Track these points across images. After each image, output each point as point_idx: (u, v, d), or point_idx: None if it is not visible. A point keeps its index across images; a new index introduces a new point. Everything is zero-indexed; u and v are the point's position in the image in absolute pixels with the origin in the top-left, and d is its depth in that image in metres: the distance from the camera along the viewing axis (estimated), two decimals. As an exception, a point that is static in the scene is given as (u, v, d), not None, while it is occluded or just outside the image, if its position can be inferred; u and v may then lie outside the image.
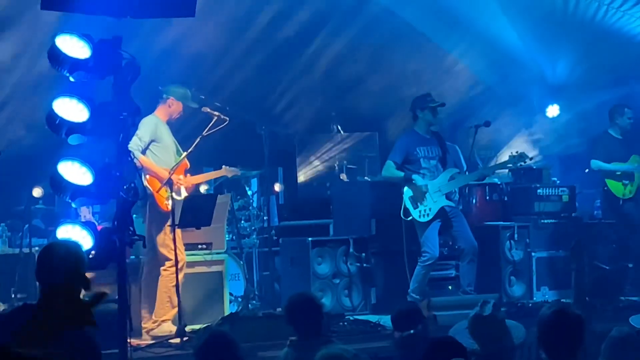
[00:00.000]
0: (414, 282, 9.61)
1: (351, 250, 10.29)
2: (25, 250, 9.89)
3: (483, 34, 13.34)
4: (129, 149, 8.21)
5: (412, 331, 6.47)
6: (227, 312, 9.41)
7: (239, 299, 10.27)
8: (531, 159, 11.69)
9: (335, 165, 12.82)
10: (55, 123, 5.64)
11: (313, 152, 13.58)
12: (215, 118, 8.98)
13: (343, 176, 12.38)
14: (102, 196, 5.80)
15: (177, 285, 8.59)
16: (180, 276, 8.61)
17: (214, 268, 9.78)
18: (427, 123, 9.81)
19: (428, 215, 9.59)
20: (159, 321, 8.72)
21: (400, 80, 13.27)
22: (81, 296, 4.37)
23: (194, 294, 9.32)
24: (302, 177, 13.71)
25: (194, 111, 9.21)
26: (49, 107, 5.66)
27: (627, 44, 13.40)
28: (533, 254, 10.51)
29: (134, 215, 6.13)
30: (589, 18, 13.07)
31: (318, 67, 13.05)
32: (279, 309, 9.53)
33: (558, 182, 11.56)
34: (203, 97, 9.38)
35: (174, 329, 8.55)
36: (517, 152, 10.02)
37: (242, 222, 11.13)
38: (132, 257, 9.25)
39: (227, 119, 9.00)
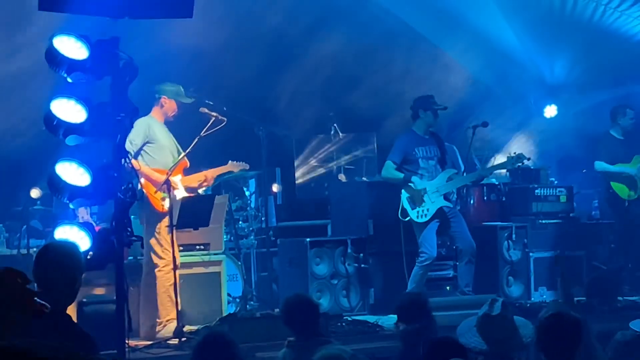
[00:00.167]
0: (412, 283, 9.61)
1: (349, 250, 10.29)
2: (23, 251, 9.90)
3: (481, 34, 13.34)
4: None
5: (417, 325, 6.40)
6: (225, 313, 9.40)
7: (237, 300, 10.27)
8: (529, 159, 11.72)
9: (333, 165, 12.83)
10: (53, 124, 5.63)
11: (311, 152, 13.58)
12: (213, 119, 8.96)
13: (341, 177, 12.39)
14: (100, 197, 5.79)
15: (175, 285, 8.58)
16: (172, 277, 8.61)
17: (212, 269, 9.77)
18: (427, 124, 9.83)
19: (426, 215, 9.60)
20: (164, 322, 8.71)
21: (398, 80, 13.25)
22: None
23: (192, 295, 9.32)
24: (300, 177, 13.72)
25: (192, 112, 9.17)
26: (47, 108, 5.65)
27: (625, 44, 13.41)
28: (531, 254, 10.52)
29: (132, 216, 6.13)
30: (586, 18, 13.08)
31: (316, 68, 13.03)
32: (277, 310, 9.51)
33: (556, 182, 11.57)
34: (210, 101, 9.31)
35: None
36: (515, 153, 10.03)
37: (240, 222, 11.13)
38: (130, 257, 9.25)
39: (225, 119, 8.99)
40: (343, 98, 13.39)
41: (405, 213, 9.66)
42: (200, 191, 9.29)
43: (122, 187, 5.70)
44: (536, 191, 10.86)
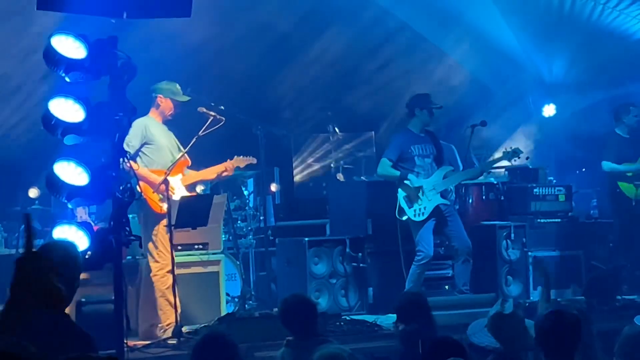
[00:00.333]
0: (410, 282, 9.61)
1: (348, 250, 10.28)
2: (22, 250, 9.87)
3: (480, 33, 13.34)
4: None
5: (415, 325, 6.40)
6: (223, 313, 9.39)
7: (236, 299, 10.26)
8: (527, 158, 11.72)
9: (332, 165, 12.83)
10: (51, 123, 5.63)
11: (309, 152, 13.58)
12: (211, 118, 8.93)
13: (339, 176, 12.39)
14: (98, 196, 5.79)
15: (173, 286, 8.58)
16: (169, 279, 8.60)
17: (210, 268, 9.76)
18: (422, 123, 9.83)
19: (423, 214, 9.59)
20: (164, 326, 8.69)
21: (397, 80, 13.27)
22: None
23: (191, 295, 9.30)
24: (298, 177, 13.72)
25: (190, 111, 9.15)
26: (45, 107, 5.65)
27: (624, 43, 13.41)
28: (530, 253, 10.51)
29: (131, 216, 6.12)
30: (585, 18, 13.08)
31: (315, 67, 13.04)
32: (275, 309, 9.50)
33: (554, 181, 11.57)
34: (208, 101, 9.28)
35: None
36: (510, 147, 10.03)
37: (239, 222, 11.12)
38: (129, 257, 9.24)
39: (223, 119, 8.97)
40: (341, 97, 13.41)
41: (402, 212, 9.66)
42: (198, 190, 9.27)
43: (121, 187, 5.69)
44: (535, 190, 10.85)
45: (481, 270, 10.06)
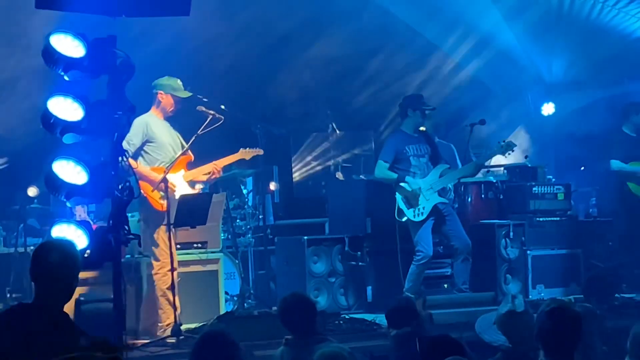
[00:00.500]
0: (409, 281, 9.61)
1: (347, 248, 10.29)
2: (21, 249, 9.89)
3: (479, 32, 13.34)
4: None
5: (408, 328, 6.45)
6: (222, 311, 9.39)
7: (235, 298, 10.26)
8: (526, 157, 11.72)
9: (331, 163, 12.83)
10: (50, 122, 5.62)
11: (308, 150, 13.59)
12: (210, 117, 8.91)
13: (339, 175, 12.38)
14: (97, 195, 5.78)
15: (172, 285, 8.57)
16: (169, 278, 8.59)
17: (210, 267, 9.76)
18: (415, 123, 9.83)
19: (422, 214, 9.59)
20: (164, 326, 8.69)
21: (396, 78, 13.28)
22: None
23: (190, 293, 9.30)
24: (297, 175, 13.73)
25: (189, 110, 9.12)
26: (44, 106, 5.64)
27: (623, 42, 13.41)
28: (528, 252, 10.51)
29: (129, 214, 6.12)
30: (584, 16, 13.08)
31: (314, 66, 13.04)
32: (274, 308, 9.51)
33: (553, 180, 11.56)
34: (207, 100, 9.26)
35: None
36: (504, 141, 10.03)
37: (238, 220, 11.12)
38: (128, 256, 9.24)
39: (222, 117, 8.94)
40: (341, 96, 13.41)
41: (401, 213, 9.66)
42: (197, 188, 9.25)
43: (120, 186, 5.69)
44: (534, 189, 10.85)
45: (480, 269, 10.06)
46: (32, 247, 9.39)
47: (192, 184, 9.07)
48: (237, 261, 10.53)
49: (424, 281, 9.81)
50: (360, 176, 11.77)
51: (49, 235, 5.99)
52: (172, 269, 8.57)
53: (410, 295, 9.39)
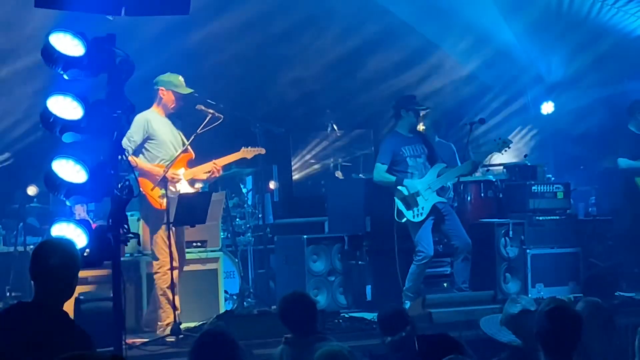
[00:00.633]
0: (409, 281, 9.60)
1: (346, 247, 10.29)
2: (20, 248, 9.89)
3: (478, 31, 13.35)
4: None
5: (402, 334, 6.47)
6: (222, 310, 9.40)
7: (234, 297, 10.27)
8: (526, 155, 11.72)
9: (330, 162, 12.83)
10: (50, 121, 5.62)
11: (308, 149, 13.59)
12: (210, 116, 8.90)
13: (338, 174, 12.39)
14: (97, 194, 5.78)
15: (172, 285, 8.57)
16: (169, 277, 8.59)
17: (209, 266, 9.77)
18: (410, 124, 9.83)
19: (422, 214, 9.59)
20: (164, 325, 8.69)
21: (395, 77, 13.27)
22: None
23: (189, 292, 9.31)
24: (297, 174, 13.74)
25: (189, 109, 9.11)
26: (43, 105, 5.64)
27: (622, 41, 13.41)
28: (528, 251, 10.51)
29: (129, 213, 6.12)
30: (583, 15, 13.09)
31: (312, 65, 13.05)
32: (274, 307, 9.52)
33: (553, 179, 11.57)
34: (207, 99, 9.25)
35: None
36: (500, 137, 10.03)
37: (237, 219, 11.12)
38: (127, 255, 9.25)
39: (222, 116, 8.93)
40: (340, 95, 13.41)
41: (401, 215, 9.66)
42: (197, 187, 9.25)
43: (119, 185, 5.69)
44: (533, 188, 10.85)
45: (480, 268, 10.06)
46: (31, 246, 9.39)
47: (191, 182, 9.05)
48: (236, 260, 10.53)
49: (423, 280, 9.81)
50: (360, 175, 11.78)
51: (49, 234, 5.98)
52: (172, 268, 8.57)
53: (411, 297, 9.42)
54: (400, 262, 9.75)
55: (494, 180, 11.03)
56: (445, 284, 10.27)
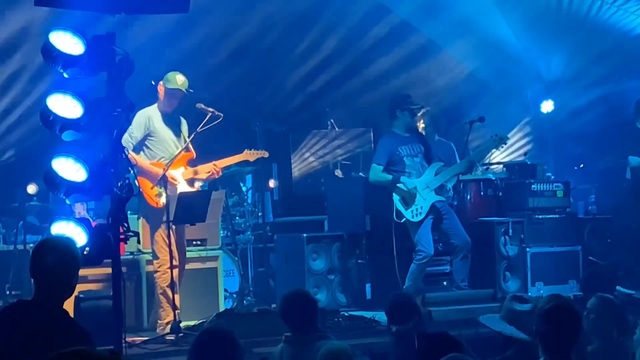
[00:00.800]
0: (409, 280, 9.60)
1: (346, 246, 10.29)
2: (20, 247, 9.90)
3: (478, 29, 13.35)
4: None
5: (409, 324, 6.44)
6: (221, 309, 9.40)
7: (234, 295, 10.27)
8: (525, 154, 11.71)
9: (330, 161, 12.83)
10: (49, 119, 5.62)
11: (307, 148, 13.58)
12: (210, 114, 8.90)
13: (338, 172, 12.38)
14: (97, 192, 5.78)
15: (172, 283, 8.58)
16: (169, 276, 8.59)
17: (209, 264, 9.78)
18: (405, 124, 9.82)
19: (420, 214, 9.59)
20: (163, 324, 8.70)
21: (395, 75, 13.27)
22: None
23: (189, 290, 9.31)
24: (296, 173, 13.72)
25: (189, 108, 9.10)
26: (43, 103, 5.65)
27: (622, 40, 13.41)
28: (528, 249, 10.51)
29: (129, 212, 6.12)
30: (583, 14, 13.09)
31: (312, 63, 13.05)
32: (274, 305, 9.53)
33: (552, 177, 11.57)
34: (206, 97, 9.23)
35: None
36: (496, 134, 10.03)
37: (237, 218, 11.12)
38: (127, 253, 9.25)
39: (222, 115, 8.92)
40: (340, 94, 13.41)
41: (400, 214, 9.66)
42: (196, 185, 9.25)
43: (119, 183, 5.69)
44: (533, 186, 10.85)
45: (479, 266, 10.07)
46: (31, 245, 9.39)
47: (191, 182, 9.05)
48: (236, 258, 10.53)
49: (423, 278, 9.81)
50: (360, 174, 11.77)
51: (49, 233, 5.98)
52: (172, 267, 8.57)
53: (411, 292, 9.41)
54: (399, 261, 9.76)
55: (493, 178, 11.03)
56: (445, 283, 10.27)
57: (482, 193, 10.87)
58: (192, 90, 8.91)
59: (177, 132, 8.92)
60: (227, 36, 12.08)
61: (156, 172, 8.66)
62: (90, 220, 6.37)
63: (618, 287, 9.77)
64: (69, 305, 6.79)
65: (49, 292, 4.49)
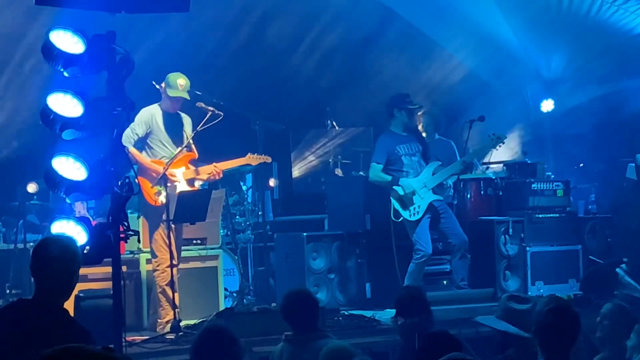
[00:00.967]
0: (408, 279, 9.60)
1: (346, 245, 10.29)
2: (20, 245, 9.90)
3: (478, 28, 13.34)
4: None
5: (416, 318, 6.42)
6: (221, 307, 9.41)
7: (234, 294, 10.27)
8: (525, 153, 11.71)
9: (330, 160, 12.83)
10: (50, 118, 5.62)
11: (308, 147, 13.59)
12: (210, 113, 8.91)
13: (338, 171, 12.38)
14: (97, 191, 5.78)
15: (171, 282, 8.58)
16: (169, 275, 8.59)
17: (209, 263, 9.78)
18: (403, 123, 9.83)
19: (418, 213, 9.60)
20: (164, 323, 8.70)
21: (395, 75, 13.27)
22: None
23: (189, 289, 9.32)
24: (296, 172, 13.73)
25: (189, 107, 9.10)
26: (43, 102, 5.65)
27: (622, 39, 13.41)
28: (528, 248, 10.50)
29: (129, 211, 6.12)
30: (583, 12, 13.08)
31: (312, 62, 13.04)
32: (274, 304, 9.54)
33: (552, 176, 11.57)
34: (199, 93, 9.25)
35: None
36: (494, 134, 10.03)
37: (237, 217, 11.12)
38: (127, 252, 9.25)
39: (222, 114, 8.93)
40: (340, 92, 13.40)
41: (397, 214, 9.67)
42: (197, 185, 9.26)
43: (119, 182, 5.69)
44: (533, 185, 10.85)
45: (479, 266, 10.07)
46: (31, 244, 9.41)
47: (191, 182, 9.05)
48: (236, 257, 10.54)
49: (423, 277, 9.81)
50: (360, 173, 11.77)
51: (49, 232, 5.98)
52: (172, 266, 8.57)
53: (422, 286, 9.41)
54: (399, 260, 9.76)
55: (493, 177, 11.03)
56: (445, 282, 10.28)
57: (482, 192, 10.87)
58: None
59: (179, 132, 8.93)
60: (226, 35, 12.07)
61: (157, 170, 8.67)
62: (90, 219, 6.37)
63: (628, 279, 9.75)
64: (69, 304, 6.79)
65: (50, 290, 4.50)
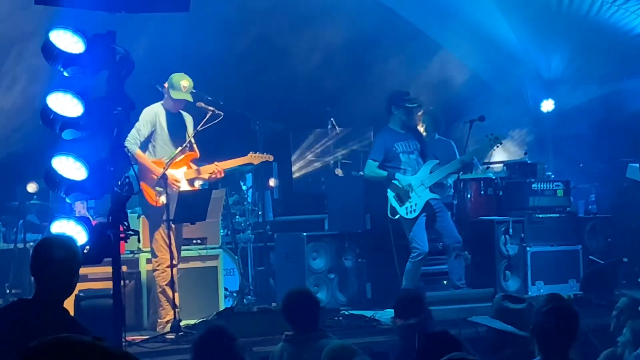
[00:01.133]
0: (406, 279, 9.59)
1: (346, 245, 10.29)
2: (20, 245, 9.90)
3: (478, 28, 13.34)
4: (126, 142, 8.23)
5: (414, 320, 6.42)
6: (221, 307, 9.41)
7: (234, 294, 10.27)
8: (526, 153, 11.71)
9: (330, 160, 12.83)
10: (50, 118, 5.62)
11: (308, 147, 13.58)
12: (210, 113, 8.91)
13: (338, 171, 12.38)
14: (97, 191, 5.78)
15: (171, 282, 8.58)
16: (169, 274, 8.58)
17: (209, 263, 9.78)
18: (401, 120, 9.82)
19: (415, 210, 9.60)
20: (164, 323, 8.70)
21: (395, 74, 13.26)
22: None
23: (189, 289, 9.32)
24: (297, 172, 13.72)
25: (189, 106, 9.10)
26: (43, 102, 5.65)
27: (622, 39, 13.41)
28: (528, 248, 10.51)
29: (129, 210, 6.12)
30: (583, 12, 13.08)
31: (312, 62, 13.03)
32: (274, 304, 9.54)
33: (553, 176, 11.57)
34: (207, 96, 9.24)
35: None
36: (492, 134, 10.03)
37: (237, 217, 11.13)
38: (127, 252, 9.25)
39: (222, 113, 8.93)
40: (340, 92, 13.40)
41: (394, 211, 9.66)
42: (197, 184, 9.26)
43: (119, 182, 5.69)
44: (533, 185, 10.85)
45: (479, 265, 10.07)
46: (31, 243, 9.41)
47: (191, 181, 9.05)
48: (236, 257, 10.54)
49: (422, 277, 9.81)
50: (360, 172, 11.76)
51: (49, 231, 5.98)
52: (172, 266, 8.57)
53: (421, 287, 9.41)
54: (398, 259, 9.76)
55: (494, 177, 11.03)
56: (444, 282, 10.27)
57: (482, 192, 10.87)
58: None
59: (182, 131, 8.93)
60: (226, 35, 12.07)
61: (157, 170, 8.67)
62: (91, 218, 6.38)
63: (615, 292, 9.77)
64: (69, 303, 6.80)
65: (50, 290, 4.49)
